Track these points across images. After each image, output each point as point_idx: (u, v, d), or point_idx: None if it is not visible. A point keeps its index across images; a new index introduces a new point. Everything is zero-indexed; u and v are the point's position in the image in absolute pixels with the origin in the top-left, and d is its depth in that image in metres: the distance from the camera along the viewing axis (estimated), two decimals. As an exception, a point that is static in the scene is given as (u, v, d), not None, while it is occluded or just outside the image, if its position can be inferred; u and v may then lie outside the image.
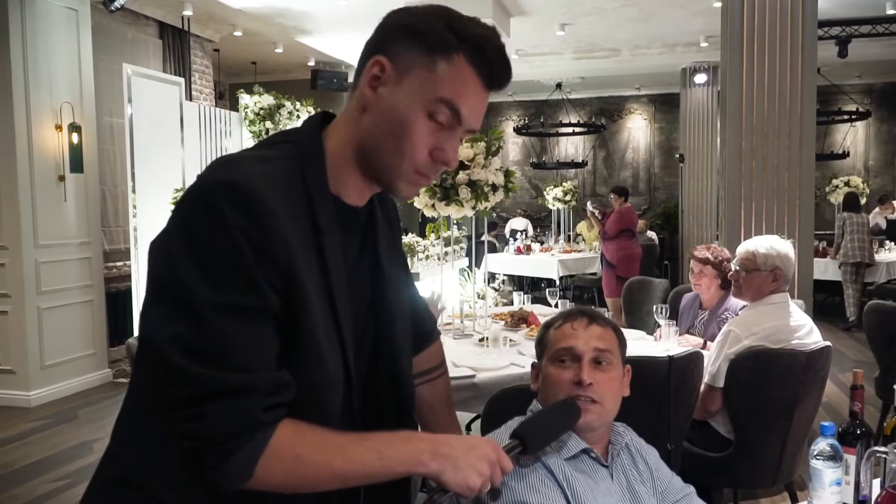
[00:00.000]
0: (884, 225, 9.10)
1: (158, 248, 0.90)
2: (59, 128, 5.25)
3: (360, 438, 0.93)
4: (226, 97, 10.05)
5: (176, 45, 7.35)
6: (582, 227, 9.86)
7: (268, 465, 0.87)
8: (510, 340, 3.07)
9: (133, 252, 5.38)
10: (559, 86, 11.51)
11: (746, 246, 2.71)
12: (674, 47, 9.59)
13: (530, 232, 11.13)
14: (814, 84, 4.44)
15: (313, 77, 9.10)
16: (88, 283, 5.56)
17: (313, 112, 1.37)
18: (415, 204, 3.40)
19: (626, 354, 1.47)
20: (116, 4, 5.58)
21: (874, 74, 11.40)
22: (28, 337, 5.08)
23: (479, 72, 0.97)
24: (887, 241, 8.48)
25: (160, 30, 7.22)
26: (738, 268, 2.69)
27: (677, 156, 10.43)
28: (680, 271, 9.59)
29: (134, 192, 5.36)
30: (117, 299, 6.03)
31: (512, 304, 4.29)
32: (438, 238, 5.01)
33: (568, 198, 10.19)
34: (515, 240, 9.64)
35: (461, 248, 5.61)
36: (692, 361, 2.29)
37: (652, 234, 10.16)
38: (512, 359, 2.82)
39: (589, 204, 7.49)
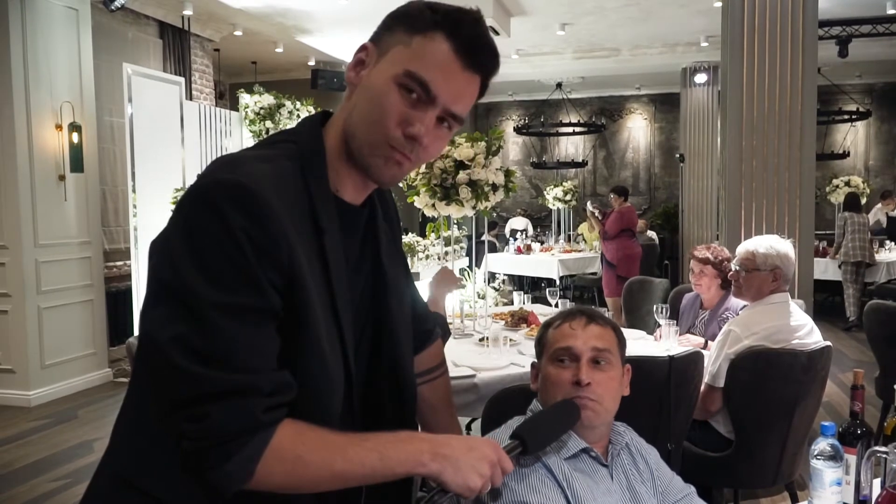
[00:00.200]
0: (884, 221, 9.09)
1: (159, 248, 0.90)
2: (59, 127, 5.25)
3: (361, 439, 0.93)
4: (226, 97, 10.05)
5: (176, 45, 7.34)
6: (583, 228, 9.85)
7: (268, 465, 0.87)
8: (510, 340, 3.07)
9: (133, 252, 5.38)
10: (559, 85, 11.51)
11: (746, 246, 2.71)
12: (674, 47, 9.59)
13: (530, 231, 11.13)
14: (814, 84, 4.44)
15: (313, 76, 9.10)
16: (88, 283, 5.56)
17: (313, 112, 1.37)
18: (415, 203, 3.40)
19: (627, 354, 1.47)
20: (116, 4, 5.58)
21: (874, 74, 11.39)
22: (28, 336, 5.08)
23: (457, 49, 0.95)
24: (888, 241, 8.47)
25: (160, 29, 7.21)
26: (738, 268, 2.69)
27: (677, 155, 10.43)
28: (680, 271, 9.59)
29: (134, 191, 5.36)
30: (117, 299, 6.03)
31: (512, 303, 4.29)
32: (438, 238, 5.01)
33: (568, 197, 10.19)
34: (515, 239, 9.64)
35: (461, 248, 5.62)
36: (692, 361, 2.29)
37: (652, 234, 10.15)
38: (512, 358, 2.82)
39: (589, 204, 7.49)
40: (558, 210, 10.65)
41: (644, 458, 1.44)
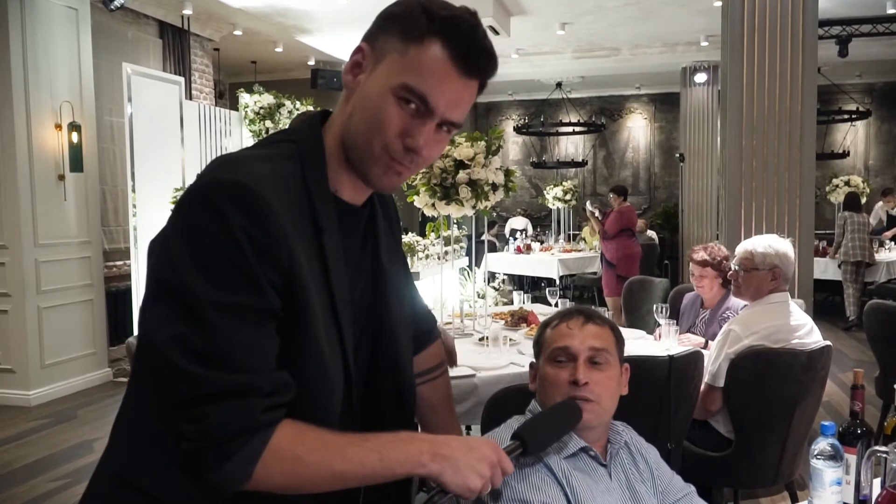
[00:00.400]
0: (886, 220, 9.09)
1: (158, 248, 0.90)
2: (58, 127, 5.24)
3: (360, 439, 0.93)
4: (226, 96, 10.06)
5: (176, 45, 7.34)
6: (587, 232, 9.81)
7: (267, 465, 0.87)
8: (510, 340, 3.07)
9: (133, 251, 5.38)
10: (559, 85, 11.51)
11: (745, 245, 2.71)
12: (674, 46, 9.59)
13: (530, 231, 11.13)
14: (814, 83, 4.44)
15: (313, 76, 9.10)
16: (88, 283, 5.56)
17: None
18: (415, 203, 3.40)
19: (626, 354, 1.47)
20: (116, 3, 5.58)
21: (874, 74, 11.39)
22: (28, 336, 5.07)
23: (453, 57, 0.93)
24: (888, 241, 8.47)
25: (160, 29, 7.21)
26: (736, 267, 2.69)
27: (677, 155, 10.43)
28: (680, 271, 9.58)
29: (134, 191, 5.36)
30: (117, 298, 6.03)
31: (512, 303, 4.29)
32: (438, 237, 5.01)
33: (568, 197, 10.19)
34: (515, 239, 9.63)
35: (461, 248, 5.61)
36: (692, 361, 2.29)
37: (652, 234, 10.15)
38: (512, 358, 2.82)
39: (588, 203, 7.49)
40: (558, 210, 10.65)
41: (644, 457, 1.44)
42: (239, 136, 6.69)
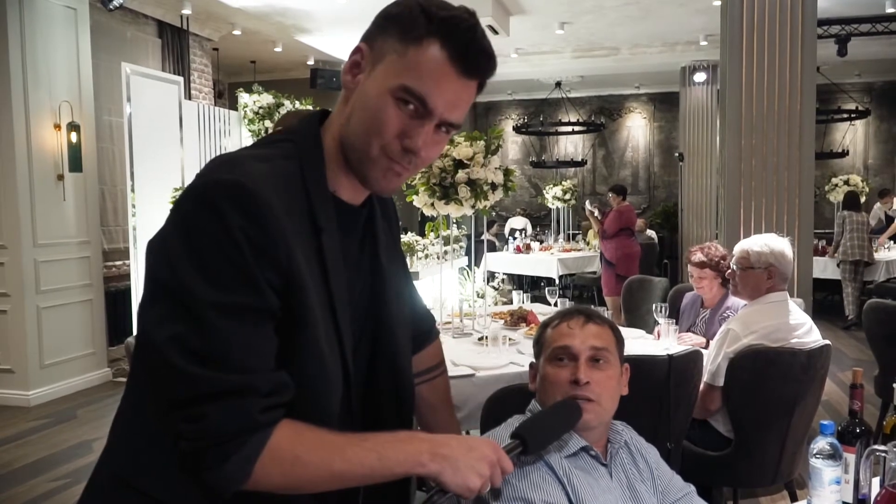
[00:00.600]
0: (884, 220, 9.09)
1: (157, 248, 0.90)
2: (57, 127, 5.24)
3: (360, 439, 0.93)
4: (225, 96, 10.05)
5: (175, 44, 7.34)
6: (591, 235, 9.79)
7: (266, 466, 0.87)
8: (509, 339, 3.07)
9: (132, 251, 5.38)
10: (559, 84, 11.51)
11: (742, 244, 2.71)
12: (673, 46, 9.58)
13: (529, 231, 11.13)
14: (813, 82, 4.44)
15: (312, 76, 9.10)
16: (88, 283, 5.56)
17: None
18: (414, 203, 3.39)
19: (626, 353, 1.47)
20: (115, 3, 5.57)
21: (874, 73, 11.39)
22: (27, 336, 5.07)
23: (452, 58, 0.92)
24: (887, 241, 8.47)
25: (159, 29, 7.21)
26: (734, 266, 2.69)
27: (677, 154, 10.43)
28: (679, 270, 9.57)
29: (133, 191, 5.36)
30: (117, 298, 6.03)
31: (511, 302, 4.29)
32: (438, 237, 5.00)
33: (567, 196, 10.18)
34: (515, 239, 9.63)
35: (460, 247, 5.61)
36: (692, 360, 2.29)
37: (651, 233, 10.14)
38: (511, 358, 2.82)
39: (588, 203, 7.49)
40: (557, 209, 10.65)
41: (644, 456, 1.44)
42: (238, 136, 6.69)
